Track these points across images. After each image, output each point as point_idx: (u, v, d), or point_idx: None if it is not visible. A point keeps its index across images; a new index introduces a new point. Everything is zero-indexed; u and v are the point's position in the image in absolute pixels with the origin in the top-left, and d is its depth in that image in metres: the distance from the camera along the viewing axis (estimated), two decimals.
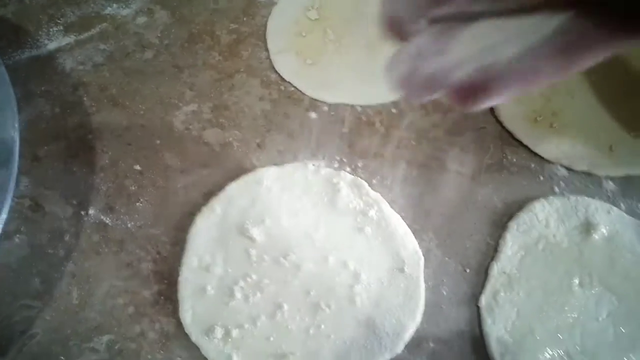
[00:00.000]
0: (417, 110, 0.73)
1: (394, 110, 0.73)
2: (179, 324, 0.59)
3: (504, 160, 0.71)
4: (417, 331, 0.60)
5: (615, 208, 0.67)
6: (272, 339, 0.58)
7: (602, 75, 0.77)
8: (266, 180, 0.66)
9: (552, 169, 0.70)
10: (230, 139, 0.70)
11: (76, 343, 0.58)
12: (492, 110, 0.74)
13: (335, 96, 0.73)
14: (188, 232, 0.63)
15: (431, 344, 0.59)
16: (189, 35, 0.78)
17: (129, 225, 0.64)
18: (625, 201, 0.69)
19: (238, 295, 0.60)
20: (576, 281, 0.63)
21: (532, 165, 0.70)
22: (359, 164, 0.69)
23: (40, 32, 0.79)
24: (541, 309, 0.61)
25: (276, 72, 0.75)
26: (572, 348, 0.59)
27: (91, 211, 0.65)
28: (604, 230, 0.65)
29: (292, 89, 0.74)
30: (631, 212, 0.68)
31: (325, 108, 0.73)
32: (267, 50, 0.77)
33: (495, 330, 0.60)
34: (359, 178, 0.67)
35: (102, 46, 0.77)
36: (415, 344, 0.59)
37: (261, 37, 0.77)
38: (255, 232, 0.63)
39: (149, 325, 0.59)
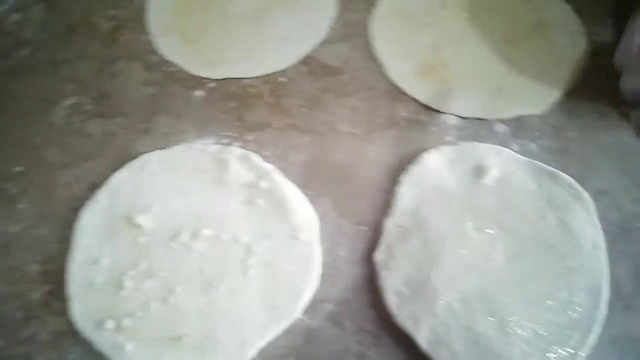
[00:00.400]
0: (306, 76, 0.73)
1: (282, 79, 0.72)
2: (70, 321, 0.57)
3: (395, 116, 0.70)
4: (315, 294, 0.59)
5: (505, 149, 0.68)
6: (165, 323, 0.57)
7: (487, 21, 0.78)
8: (151, 165, 0.65)
9: (443, 119, 0.70)
10: (113, 127, 0.68)
11: None
12: (381, 68, 0.74)
13: (220, 72, 0.72)
14: (74, 229, 0.61)
15: (329, 305, 0.59)
16: (66, 28, 0.75)
17: (12, 229, 0.62)
18: (517, 142, 0.69)
19: (128, 284, 0.58)
20: (470, 225, 0.63)
21: (423, 118, 0.70)
22: (250, 138, 0.68)
23: None
24: (436, 257, 0.61)
25: (158, 53, 0.73)
26: (469, 290, 0.59)
27: None
28: (496, 172, 0.66)
29: (176, 69, 0.72)
30: (523, 152, 0.68)
31: (211, 85, 0.71)
32: (147, 33, 0.75)
33: (391, 282, 0.60)
34: (248, 151, 0.66)
35: None
36: (314, 307, 0.59)
37: (141, 19, 0.75)
38: (142, 219, 0.61)
39: (40, 327, 0.57)
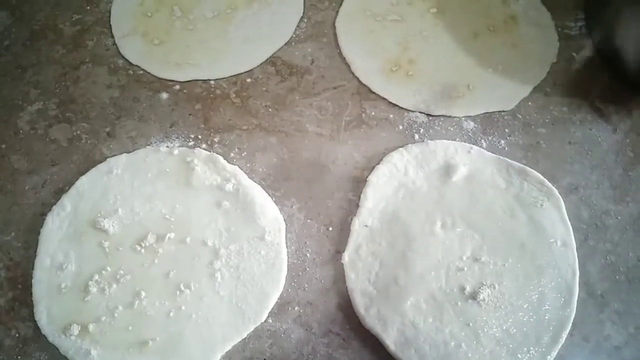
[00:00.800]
0: (273, 76, 0.72)
1: (248, 80, 0.72)
2: (36, 327, 0.57)
3: (363, 115, 0.70)
4: (282, 297, 0.59)
5: (475, 147, 0.67)
6: (131, 328, 0.57)
7: (455, 16, 0.77)
8: (116, 169, 0.64)
9: (411, 117, 0.70)
10: (79, 132, 0.68)
11: None
12: (348, 66, 0.73)
13: (185, 74, 0.71)
14: (40, 233, 0.61)
15: (296, 308, 0.59)
16: (30, 33, 0.75)
17: None
18: (486, 139, 0.69)
19: (93, 289, 0.58)
20: (438, 223, 0.63)
21: (391, 116, 0.70)
22: (216, 139, 0.68)
23: None
24: (404, 256, 0.61)
25: (123, 57, 0.73)
26: (437, 290, 0.59)
27: None
28: (464, 170, 0.65)
29: (141, 72, 0.72)
30: (492, 149, 0.68)
31: (177, 87, 0.71)
32: (112, 36, 0.74)
33: (359, 283, 0.60)
34: (214, 153, 0.65)
35: None
36: (280, 310, 0.59)
37: (106, 23, 0.75)
38: (108, 224, 0.61)
39: (4, 333, 0.57)
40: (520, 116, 0.70)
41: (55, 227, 0.61)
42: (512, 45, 0.74)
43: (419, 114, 0.70)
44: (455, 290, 0.59)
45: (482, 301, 0.58)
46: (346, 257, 0.62)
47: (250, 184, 0.64)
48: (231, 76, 0.72)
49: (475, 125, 0.70)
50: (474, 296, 0.59)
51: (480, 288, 0.59)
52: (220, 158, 0.65)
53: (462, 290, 0.59)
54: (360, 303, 0.59)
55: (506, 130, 0.70)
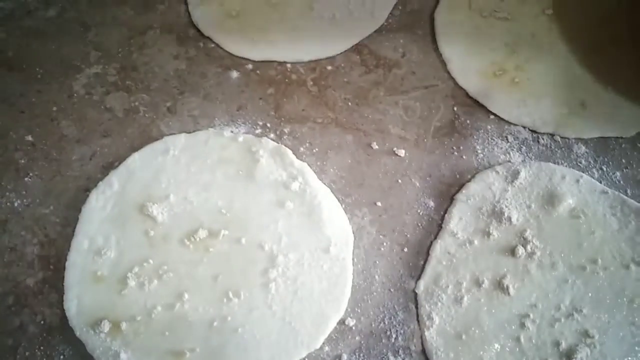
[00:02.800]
0: (357, 66, 0.64)
1: (329, 67, 0.64)
2: (64, 316, 0.51)
3: (456, 122, 0.61)
4: (341, 322, 0.51)
5: (585, 176, 0.58)
6: (168, 333, 0.49)
7: (574, 21, 0.67)
8: (173, 149, 0.57)
9: (512, 131, 0.60)
10: (137, 103, 0.61)
11: None
12: (444, 64, 0.64)
13: (261, 52, 0.64)
14: (81, 211, 0.55)
15: (357, 337, 0.50)
16: None
17: (15, 203, 0.56)
18: (598, 168, 0.59)
19: (132, 283, 0.51)
20: (534, 262, 0.53)
21: (489, 127, 0.60)
22: (285, 130, 0.60)
23: None
24: (490, 295, 0.52)
25: (195, 27, 0.66)
26: (525, 342, 0.50)
27: None
28: (571, 202, 0.56)
29: (212, 45, 0.65)
30: (605, 181, 0.58)
31: (249, 66, 0.63)
32: (186, 3, 0.67)
33: (435, 319, 0.51)
34: (282, 145, 0.58)
35: (0, 4, 0.68)
36: (338, 337, 0.50)
37: None
38: (157, 210, 0.54)
39: (29, 318, 0.51)
40: None
41: (99, 206, 0.55)
42: (638, 63, 0.63)
43: (521, 129, 0.60)
44: (548, 344, 0.50)
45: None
46: (422, 285, 0.53)
47: (318, 185, 0.56)
48: (310, 61, 0.64)
49: (587, 151, 0.59)
50: (569, 355, 0.49)
51: (577, 346, 0.49)
52: (289, 151, 0.57)
53: (556, 346, 0.49)
54: (433, 341, 0.50)
55: (623, 160, 0.59)
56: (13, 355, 0.50)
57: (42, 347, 0.50)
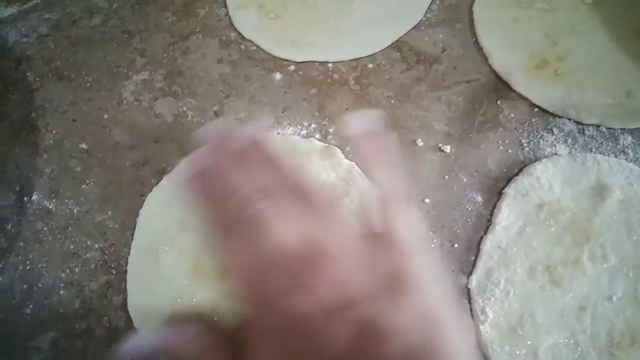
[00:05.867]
0: (397, 63, 0.64)
1: (370, 66, 0.64)
2: (128, 318, 0.53)
3: (500, 115, 0.61)
4: None
5: (634, 167, 0.57)
6: None
7: (614, 10, 0.66)
8: None
9: (557, 124, 0.60)
10: (185, 108, 0.62)
11: (18, 342, 0.53)
12: (485, 58, 0.64)
13: (302, 53, 0.64)
14: (138, 215, 0.57)
15: None
16: None
17: (74, 210, 0.58)
18: None
19: None
20: (585, 254, 0.53)
21: (534, 120, 0.60)
22: (331, 130, 0.61)
23: None
24: (543, 289, 0.52)
25: (236, 30, 0.66)
26: (580, 334, 0.50)
27: (34, 197, 0.59)
28: (620, 193, 0.55)
29: (254, 48, 0.65)
30: None
31: (292, 67, 0.64)
32: (226, 6, 0.68)
33: (489, 314, 0.52)
34: (331, 145, 0.58)
35: (47, 15, 0.70)
36: None
37: None
38: None
39: (95, 321, 0.53)
40: None
41: (156, 210, 0.57)
42: None
43: (566, 121, 0.60)
44: (602, 336, 0.50)
45: (633, 354, 0.49)
46: (474, 281, 0.53)
47: (366, 185, 0.57)
48: (351, 60, 0.64)
49: (634, 141, 0.59)
50: (624, 346, 0.49)
51: (635, 337, 0.50)
52: (339, 151, 0.58)
53: (610, 337, 0.50)
54: (487, 336, 0.51)
55: None
56: (83, 357, 0.52)
57: (110, 349, 0.53)
